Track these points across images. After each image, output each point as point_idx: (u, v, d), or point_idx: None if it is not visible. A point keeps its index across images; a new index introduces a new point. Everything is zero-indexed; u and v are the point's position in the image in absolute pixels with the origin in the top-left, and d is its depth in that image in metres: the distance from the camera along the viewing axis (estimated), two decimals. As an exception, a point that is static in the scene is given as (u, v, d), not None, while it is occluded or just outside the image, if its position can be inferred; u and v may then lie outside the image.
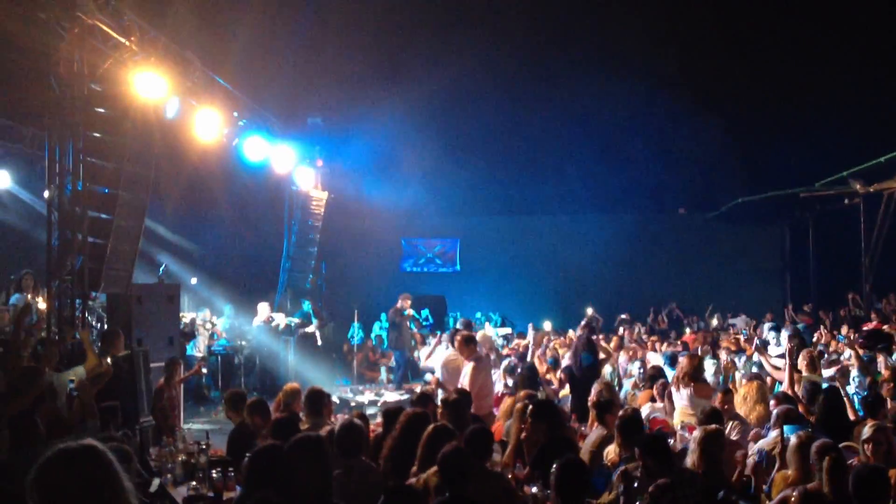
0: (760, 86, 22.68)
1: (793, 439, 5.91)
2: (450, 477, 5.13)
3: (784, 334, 12.08)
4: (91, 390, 7.65)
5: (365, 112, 21.97)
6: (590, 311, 18.12)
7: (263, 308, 16.91)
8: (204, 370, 14.70)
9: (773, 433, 6.82)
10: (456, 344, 10.12)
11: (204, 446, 7.25)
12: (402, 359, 17.14)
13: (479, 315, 20.56)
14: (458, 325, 11.69)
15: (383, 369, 18.79)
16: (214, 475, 6.30)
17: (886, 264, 17.83)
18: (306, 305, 17.94)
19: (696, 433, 6.02)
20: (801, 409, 8.01)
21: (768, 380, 9.73)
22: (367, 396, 15.72)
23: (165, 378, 10.59)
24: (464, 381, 9.50)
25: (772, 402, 7.90)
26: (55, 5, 9.89)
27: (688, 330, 18.94)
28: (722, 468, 5.82)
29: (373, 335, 21.22)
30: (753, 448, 6.90)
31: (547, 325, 17.82)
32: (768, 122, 22.60)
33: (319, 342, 17.60)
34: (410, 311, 17.29)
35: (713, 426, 6.15)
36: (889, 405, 8.14)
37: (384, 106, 21.40)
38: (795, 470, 5.76)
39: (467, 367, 9.66)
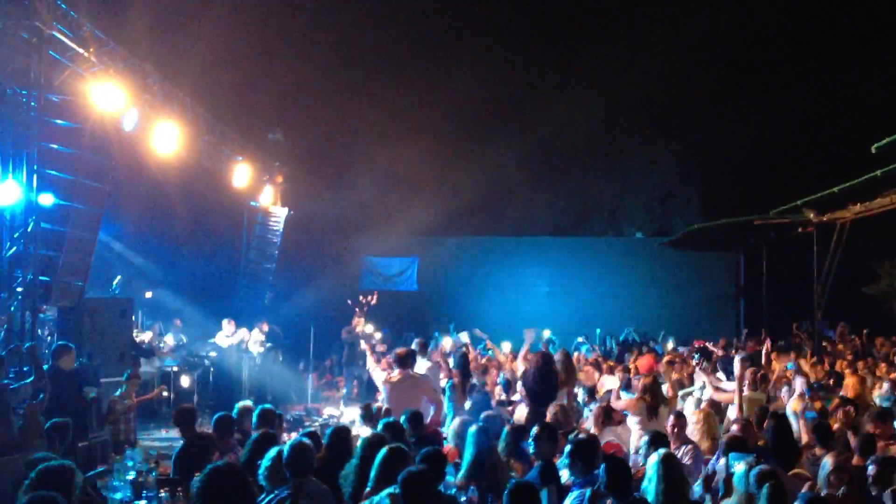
0: (718, 115, 23.04)
1: (741, 466, 5.93)
2: (410, 499, 5.09)
3: (736, 359, 12.18)
4: (36, 408, 7.52)
5: (326, 130, 21.95)
6: (546, 333, 18.16)
7: (228, 326, 16.72)
8: (165, 394, 14.45)
9: (722, 461, 6.86)
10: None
11: (153, 464, 7.14)
12: (350, 375, 17.17)
13: (436, 334, 20.48)
14: (414, 346, 11.65)
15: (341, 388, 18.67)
16: (162, 494, 6.20)
17: (838, 293, 18.10)
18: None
19: (651, 457, 6.03)
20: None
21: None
22: (324, 416, 15.60)
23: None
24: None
25: (734, 427, 7.94)
26: (13, 14, 9.75)
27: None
28: (680, 492, 5.84)
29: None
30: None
31: (506, 347, 17.82)
32: (724, 150, 22.94)
33: (281, 358, 17.49)
34: (359, 329, 17.26)
35: (666, 450, 6.16)
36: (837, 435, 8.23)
37: (345, 125, 21.39)
38: (738, 498, 5.79)
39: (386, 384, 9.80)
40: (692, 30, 21.83)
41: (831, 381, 12.07)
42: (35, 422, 7.31)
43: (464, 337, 16.45)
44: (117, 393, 10.58)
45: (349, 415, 14.93)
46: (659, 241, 24.26)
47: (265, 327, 17.27)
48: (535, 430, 6.93)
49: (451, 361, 12.48)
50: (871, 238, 19.36)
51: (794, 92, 20.66)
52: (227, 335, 16.47)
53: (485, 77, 23.01)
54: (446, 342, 16.17)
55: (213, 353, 16.33)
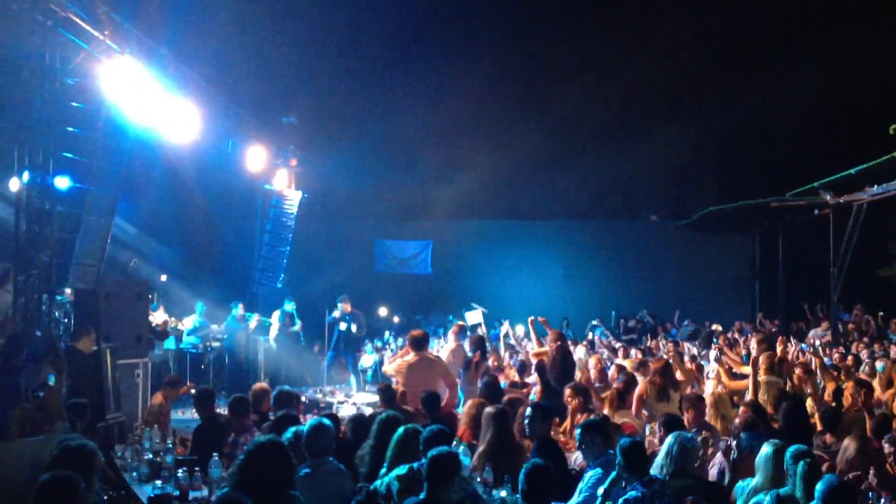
0: (733, 96, 22.88)
1: (767, 448, 5.90)
2: (436, 479, 5.09)
3: (753, 342, 12.15)
4: (56, 389, 7.56)
5: (341, 113, 21.93)
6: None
7: (239, 309, 16.76)
8: (193, 391, 14.49)
9: (734, 443, 6.87)
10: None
11: (170, 445, 7.19)
12: (328, 360, 17.27)
13: (451, 318, 20.50)
14: (454, 328, 11.82)
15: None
16: (180, 474, 6.24)
17: (854, 275, 18.01)
18: (289, 305, 17.71)
19: (668, 438, 6.04)
20: (769, 411, 8.10)
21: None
22: (337, 397, 15.67)
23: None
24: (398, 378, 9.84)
25: (741, 409, 7.94)
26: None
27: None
28: (692, 473, 5.85)
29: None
30: (717, 457, 6.95)
31: (521, 330, 17.82)
32: (740, 132, 22.79)
33: (303, 342, 17.55)
34: (337, 314, 17.28)
35: (682, 433, 6.17)
36: (846, 419, 8.17)
37: (360, 108, 21.35)
38: (765, 479, 5.77)
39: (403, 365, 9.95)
40: (707, 12, 21.67)
41: (848, 363, 12.04)
42: (55, 403, 7.35)
43: (477, 316, 16.43)
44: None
45: (362, 398, 15.00)
46: (674, 224, 24.20)
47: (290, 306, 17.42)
48: (528, 411, 6.95)
49: (466, 344, 12.51)
50: (888, 220, 19.23)
51: (810, 73, 20.45)
52: (237, 318, 16.55)
53: (499, 61, 22.94)
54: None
55: (222, 336, 16.43)
